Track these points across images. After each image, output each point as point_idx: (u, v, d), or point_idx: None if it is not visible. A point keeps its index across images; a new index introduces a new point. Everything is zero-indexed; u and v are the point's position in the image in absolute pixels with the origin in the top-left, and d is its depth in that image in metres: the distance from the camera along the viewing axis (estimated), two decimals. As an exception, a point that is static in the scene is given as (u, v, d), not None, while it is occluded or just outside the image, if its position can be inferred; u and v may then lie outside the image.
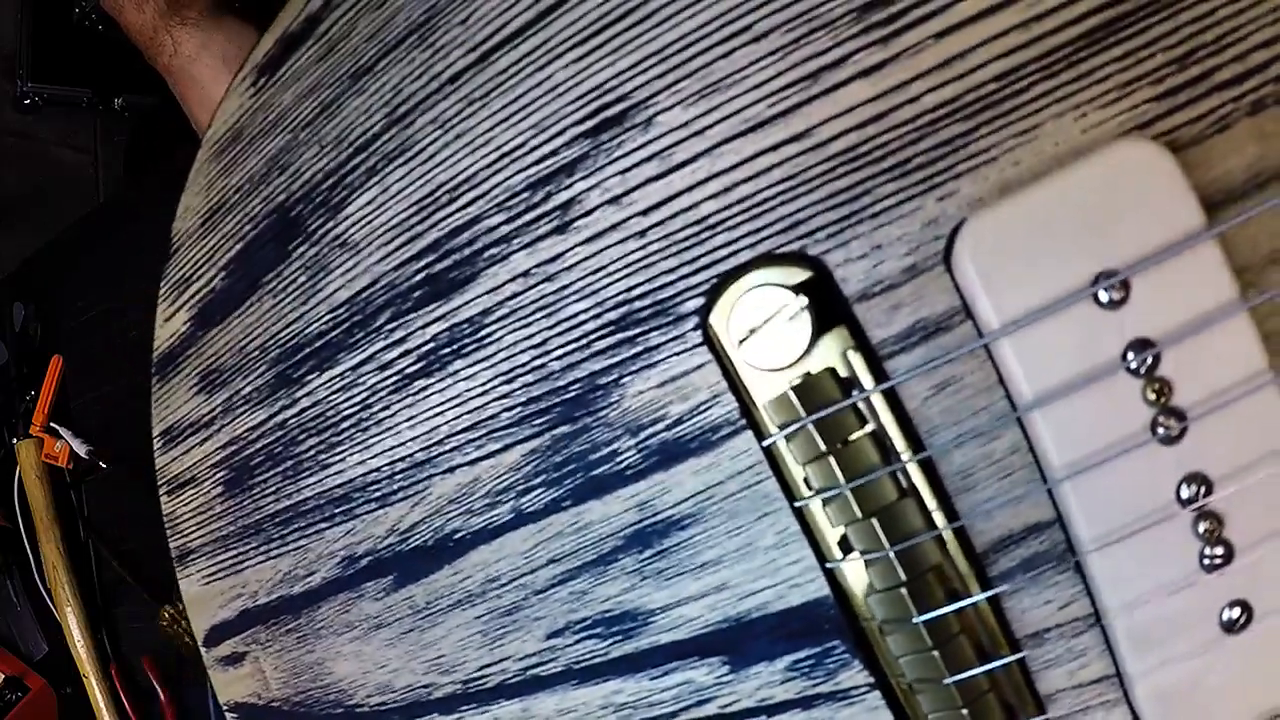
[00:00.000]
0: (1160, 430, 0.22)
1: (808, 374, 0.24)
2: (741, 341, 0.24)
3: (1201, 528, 0.23)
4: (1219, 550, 0.23)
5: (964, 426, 0.24)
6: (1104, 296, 0.22)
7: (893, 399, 0.24)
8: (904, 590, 0.23)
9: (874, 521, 0.23)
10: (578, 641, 0.28)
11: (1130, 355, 0.22)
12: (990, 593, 0.24)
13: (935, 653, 0.24)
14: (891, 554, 0.23)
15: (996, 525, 0.24)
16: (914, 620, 0.24)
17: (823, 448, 0.23)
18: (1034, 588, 0.24)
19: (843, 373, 0.24)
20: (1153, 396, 0.22)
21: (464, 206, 0.27)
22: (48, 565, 0.58)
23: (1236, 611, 0.23)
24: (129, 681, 0.59)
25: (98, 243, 0.63)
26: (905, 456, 0.23)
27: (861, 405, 0.24)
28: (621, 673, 0.28)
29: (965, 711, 0.24)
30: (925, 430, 0.24)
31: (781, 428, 0.24)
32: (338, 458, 0.30)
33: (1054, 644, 0.25)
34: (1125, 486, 0.23)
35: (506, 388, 0.27)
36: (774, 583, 0.26)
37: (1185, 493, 0.23)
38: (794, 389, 0.24)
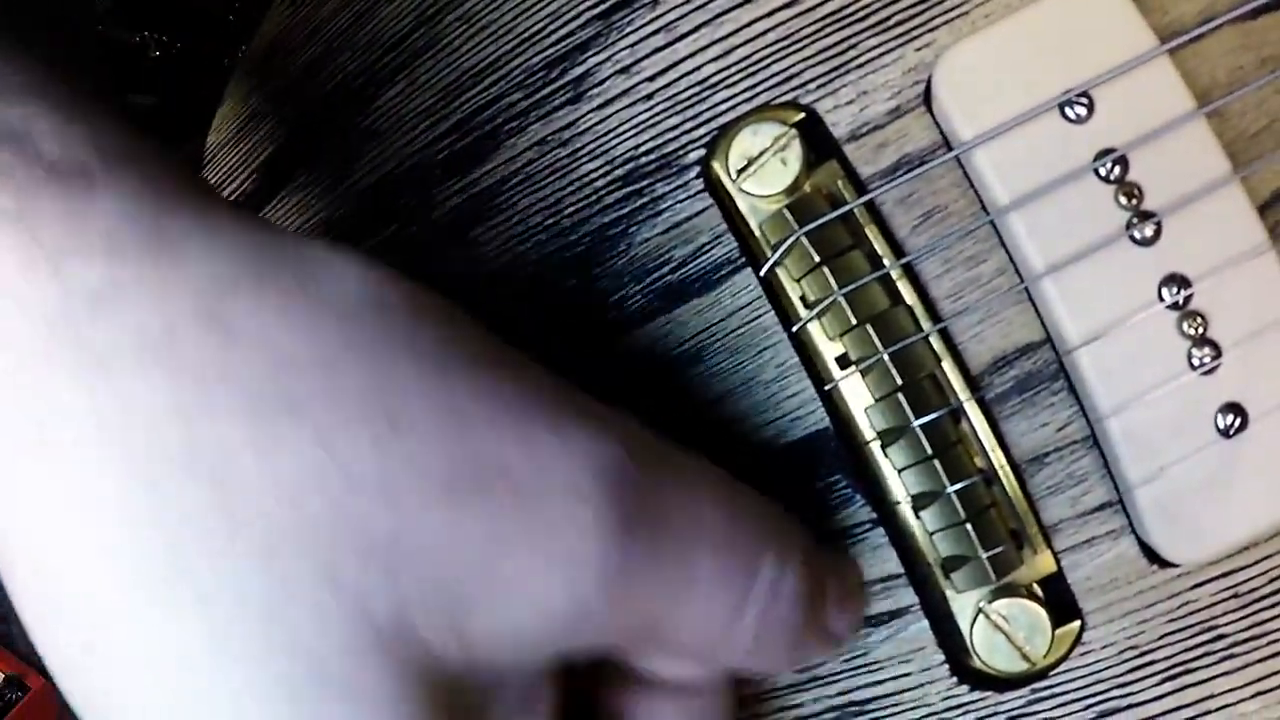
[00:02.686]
0: (1135, 233, 0.24)
1: (800, 193, 0.25)
2: (739, 172, 0.26)
3: (1186, 327, 0.24)
4: (1206, 351, 0.24)
5: (951, 252, 0.26)
6: (1070, 112, 0.24)
7: (882, 225, 0.26)
8: (900, 395, 0.24)
9: (868, 327, 0.24)
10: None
11: (1099, 162, 0.24)
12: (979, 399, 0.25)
13: (936, 461, 0.24)
14: (885, 356, 0.24)
15: (988, 347, 0.25)
16: (912, 425, 0.24)
17: (816, 259, 0.25)
18: (1030, 409, 0.25)
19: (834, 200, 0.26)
20: (1125, 200, 0.24)
21: (487, 89, 0.29)
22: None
23: (1230, 416, 0.24)
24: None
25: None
26: (891, 263, 0.25)
27: (854, 222, 0.25)
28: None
29: (969, 526, 0.24)
30: (914, 256, 0.26)
31: (776, 246, 0.25)
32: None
33: (1054, 468, 0.25)
34: (1106, 285, 0.24)
35: (522, 248, 0.29)
36: (776, 416, 0.27)
37: (1167, 295, 0.24)
38: (787, 206, 0.25)
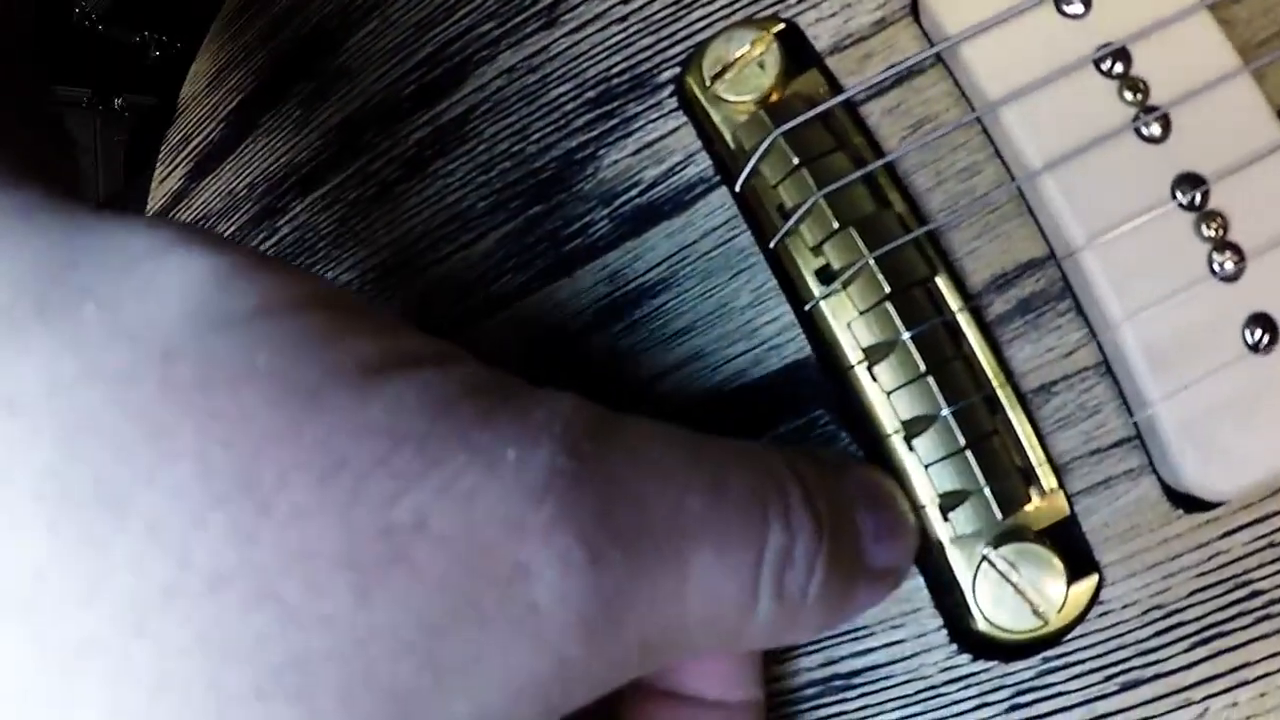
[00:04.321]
0: (1142, 129, 0.22)
1: (779, 96, 0.24)
2: (714, 78, 0.24)
3: (1205, 229, 0.21)
4: (1228, 256, 0.21)
5: (943, 164, 0.23)
6: (1068, 8, 0.22)
7: (868, 137, 0.24)
8: (889, 304, 0.22)
9: (851, 230, 0.22)
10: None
11: (1099, 54, 0.22)
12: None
13: (929, 378, 0.21)
14: (871, 261, 0.22)
15: (985, 264, 0.23)
16: (902, 337, 0.22)
17: (795, 160, 0.22)
18: (1034, 333, 0.22)
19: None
20: (1130, 95, 0.22)
21: (458, 20, 0.28)
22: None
23: (1259, 331, 0.21)
24: None
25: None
26: (877, 164, 0.23)
27: (837, 125, 0.23)
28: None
29: (969, 453, 0.21)
30: (904, 171, 0.24)
31: (752, 152, 0.23)
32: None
33: (1063, 398, 0.22)
34: (1113, 181, 0.21)
35: (484, 177, 0.27)
36: (751, 346, 0.24)
37: (1181, 195, 0.21)
38: (764, 108, 0.23)
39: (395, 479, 0.13)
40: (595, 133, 0.25)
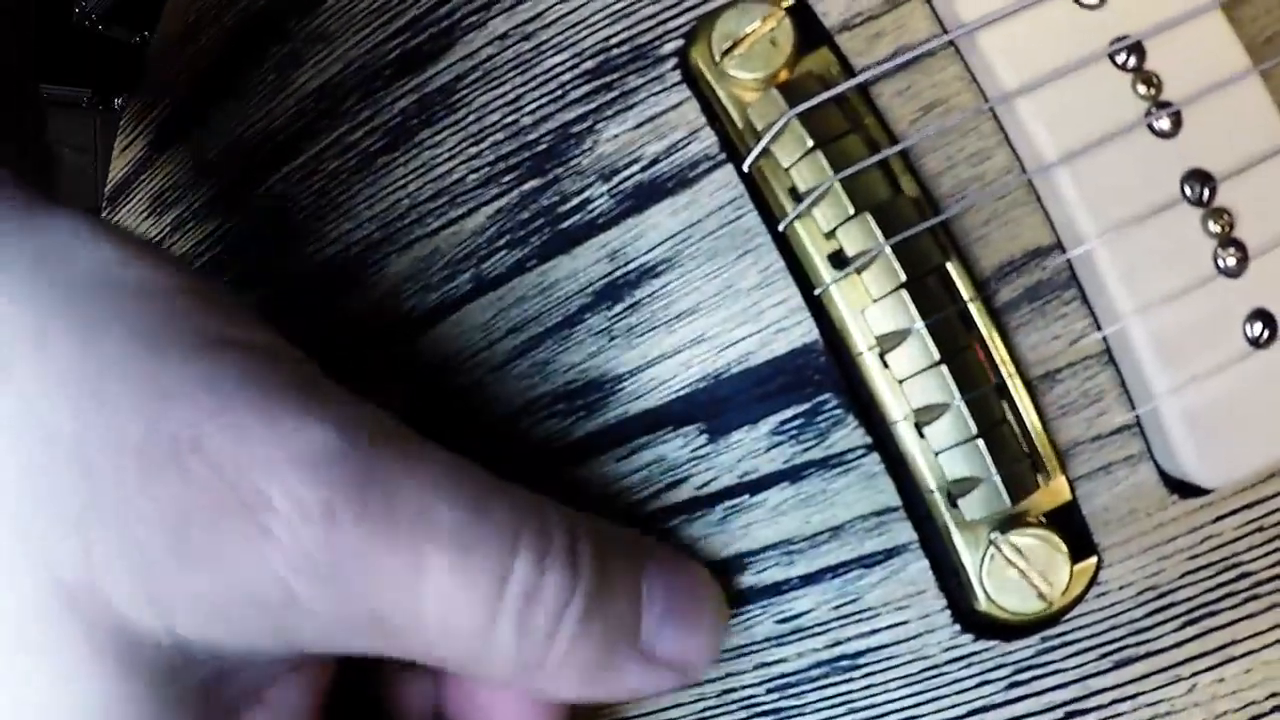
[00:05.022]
0: (1154, 123, 0.22)
1: (789, 74, 0.23)
2: (724, 54, 0.23)
3: (1212, 226, 0.22)
4: (1232, 252, 0.22)
5: (953, 148, 0.23)
6: (1084, -3, 0.22)
7: (879, 118, 0.23)
8: (905, 292, 0.22)
9: (868, 216, 0.22)
10: (536, 425, 0.25)
11: (1114, 47, 0.22)
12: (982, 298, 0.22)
13: (944, 366, 0.22)
14: (888, 249, 0.22)
15: (993, 250, 0.23)
16: (916, 326, 0.22)
17: (810, 143, 0.22)
18: (1040, 320, 0.23)
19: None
20: (1143, 89, 0.22)
21: (443, -18, 0.27)
22: None
23: (1259, 325, 0.22)
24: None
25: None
26: (891, 148, 0.22)
27: (851, 107, 0.23)
28: (581, 457, 0.25)
29: (980, 441, 0.22)
30: (914, 155, 0.23)
31: (764, 132, 0.23)
32: (287, 255, 0.28)
33: (1067, 385, 0.22)
34: (1126, 175, 0.21)
35: (474, 149, 0.26)
36: (757, 328, 0.24)
37: (1189, 191, 0.22)
38: (778, 87, 0.23)
39: (195, 412, 0.18)
40: (593, 105, 0.24)
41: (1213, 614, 0.22)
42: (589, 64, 0.24)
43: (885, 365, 0.21)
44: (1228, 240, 0.21)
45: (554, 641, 0.19)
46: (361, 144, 0.26)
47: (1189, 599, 0.22)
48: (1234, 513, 0.22)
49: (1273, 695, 0.22)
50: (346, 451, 0.18)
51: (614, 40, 0.24)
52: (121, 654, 0.17)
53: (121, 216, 0.31)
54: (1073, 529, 0.22)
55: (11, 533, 0.17)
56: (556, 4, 0.25)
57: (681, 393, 0.23)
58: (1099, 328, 0.22)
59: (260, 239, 0.28)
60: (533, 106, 0.25)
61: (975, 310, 0.21)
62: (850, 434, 0.23)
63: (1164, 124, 0.21)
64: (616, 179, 0.24)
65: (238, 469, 0.17)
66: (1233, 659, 0.22)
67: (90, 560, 0.17)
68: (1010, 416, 0.21)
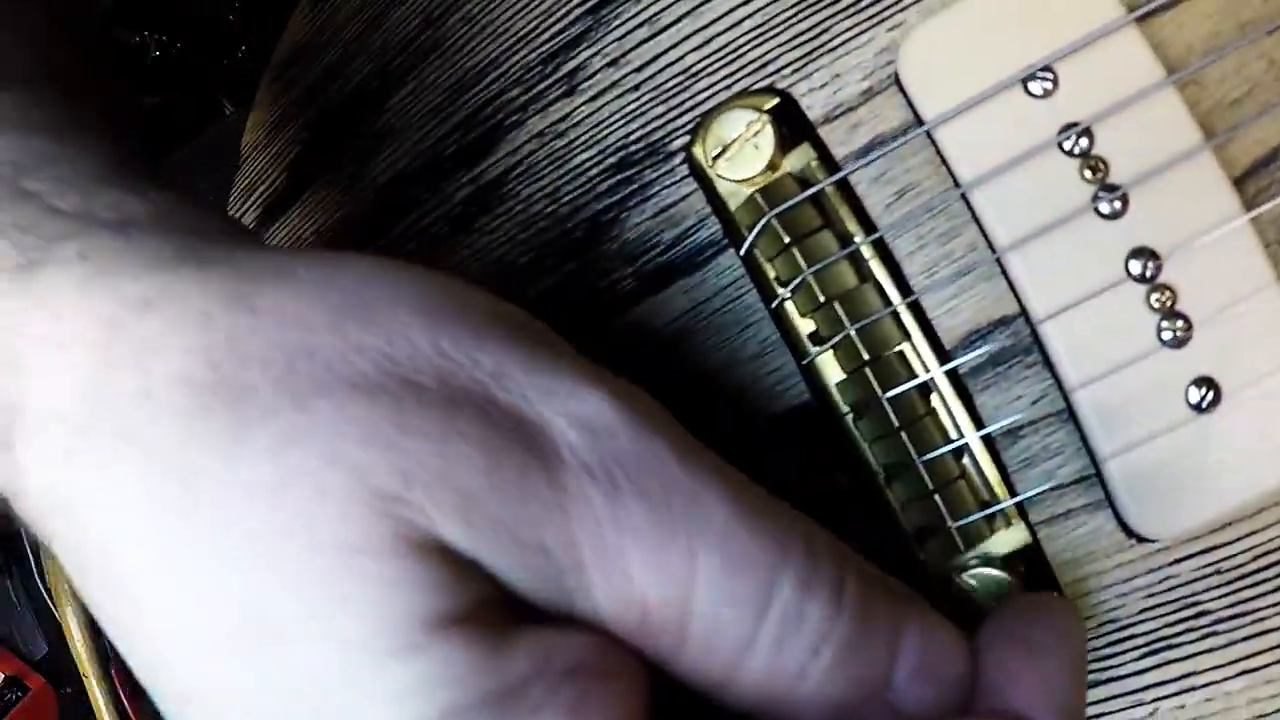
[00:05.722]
0: (1101, 206, 0.24)
1: (773, 177, 0.26)
2: (715, 158, 0.27)
3: (1155, 301, 0.24)
4: (1177, 324, 0.24)
5: (923, 229, 0.26)
6: (1035, 88, 0.25)
7: (855, 204, 0.27)
8: (867, 370, 0.25)
9: (835, 304, 0.25)
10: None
11: (1063, 136, 0.24)
12: (951, 365, 0.25)
13: (902, 433, 0.25)
14: (852, 332, 0.25)
15: (962, 321, 0.26)
16: (880, 398, 0.25)
17: (785, 240, 0.26)
18: (1004, 383, 0.26)
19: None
20: (1090, 174, 0.24)
21: (488, 85, 0.31)
22: (48, 565, 0.59)
23: (1203, 391, 0.24)
24: (129, 681, 0.59)
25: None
26: (860, 239, 0.26)
27: (825, 203, 0.26)
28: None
29: (937, 497, 0.25)
30: (888, 235, 0.26)
31: (750, 228, 0.26)
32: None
33: (1029, 440, 0.26)
34: (1071, 259, 0.24)
35: (523, 235, 0.31)
36: (758, 392, 0.28)
37: (1134, 268, 0.24)
38: (759, 190, 0.26)
39: (492, 361, 0.19)
40: (618, 197, 0.29)
41: (1172, 646, 0.25)
42: (612, 159, 0.29)
43: (857, 428, 0.25)
44: (1171, 313, 0.23)
45: (806, 672, 0.19)
46: (431, 229, 0.32)
47: (1149, 632, 0.25)
48: (1192, 556, 0.25)
49: (1234, 723, 0.25)
50: (621, 424, 0.19)
51: (631, 138, 0.28)
52: (428, 558, 0.18)
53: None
54: (1036, 567, 0.25)
55: (328, 451, 0.18)
56: (581, 105, 0.29)
57: (696, 446, 0.28)
58: (1060, 388, 0.24)
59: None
60: (568, 198, 0.29)
61: (937, 377, 0.24)
62: (840, 481, 0.26)
63: (1110, 206, 0.24)
64: (639, 262, 0.28)
65: (528, 421, 0.18)
66: (1194, 688, 0.25)
67: (407, 476, 0.18)
68: (969, 471, 0.24)
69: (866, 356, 0.25)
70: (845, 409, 0.26)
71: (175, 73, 0.56)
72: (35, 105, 0.23)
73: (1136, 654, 0.26)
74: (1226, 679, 0.25)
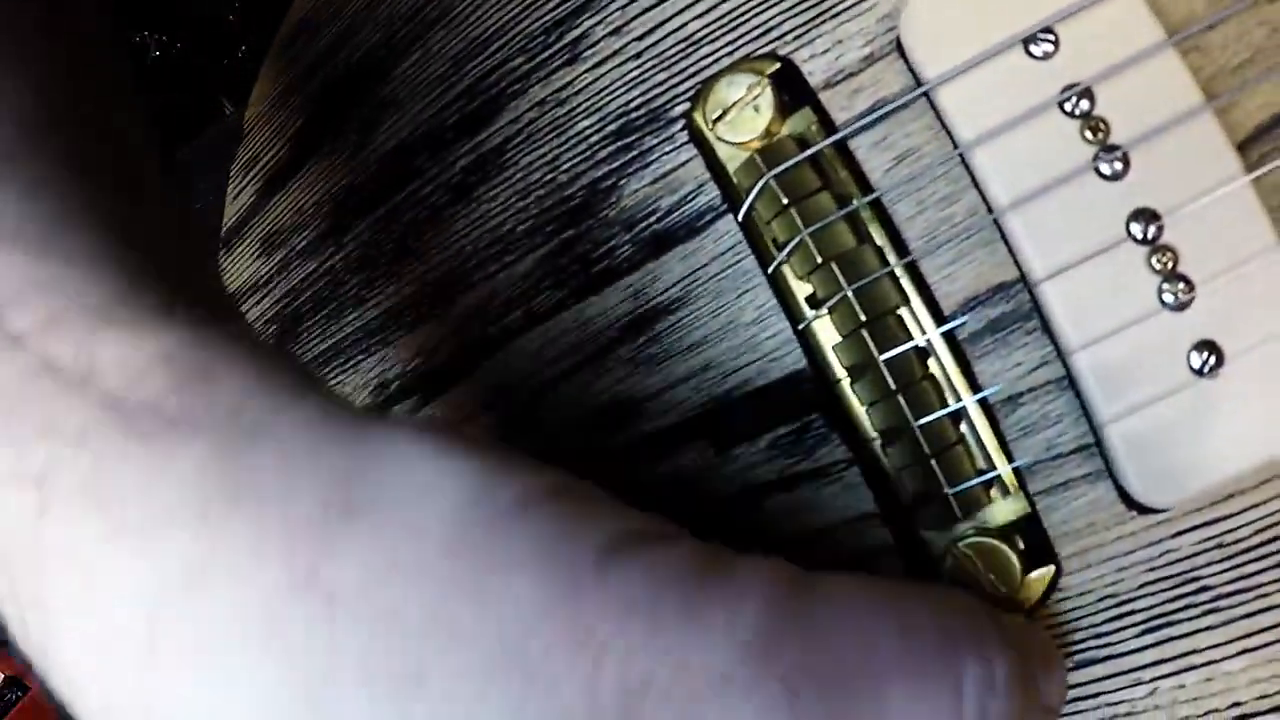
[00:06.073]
0: (1102, 167, 0.24)
1: (772, 139, 0.26)
2: (715, 121, 0.27)
3: (1156, 262, 0.24)
4: (1179, 286, 0.24)
5: (924, 193, 0.26)
6: (1036, 49, 0.25)
7: (855, 170, 0.26)
8: (864, 331, 0.25)
9: (832, 265, 0.25)
10: (578, 437, 0.30)
11: (1064, 96, 0.24)
12: (947, 327, 0.25)
13: (899, 396, 0.25)
14: (849, 293, 0.25)
15: (960, 287, 0.26)
16: (876, 361, 0.25)
17: (784, 201, 0.26)
18: (1003, 349, 0.26)
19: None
20: (1090, 135, 0.24)
21: (492, 54, 0.31)
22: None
23: (1205, 354, 0.23)
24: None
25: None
26: (859, 201, 0.26)
27: (824, 165, 0.26)
28: (619, 465, 0.29)
29: (933, 461, 0.25)
30: (887, 199, 0.26)
31: (748, 190, 0.26)
32: (375, 291, 0.34)
33: (1028, 408, 0.25)
34: (1072, 219, 0.24)
35: (522, 203, 0.31)
36: (754, 358, 0.28)
37: (1135, 229, 0.24)
38: (758, 152, 0.26)
39: (628, 646, 0.17)
40: (617, 164, 0.29)
41: (1172, 624, 0.24)
42: (612, 126, 0.29)
43: (854, 394, 0.25)
44: (1172, 275, 0.23)
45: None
46: (431, 198, 0.31)
47: (1148, 608, 0.24)
48: (1193, 529, 0.24)
49: (1235, 705, 0.24)
50: (778, 625, 0.18)
51: (632, 105, 0.28)
52: None
53: (236, 256, 0.37)
54: (1034, 539, 0.25)
55: None
56: (583, 73, 0.29)
57: (693, 412, 0.27)
58: (1060, 355, 0.24)
59: (350, 276, 0.33)
60: (568, 165, 0.29)
61: (936, 342, 0.24)
62: (834, 450, 0.26)
63: (1111, 167, 0.23)
64: (637, 228, 0.28)
65: (692, 695, 0.17)
66: (1193, 667, 0.24)
67: None
68: (966, 437, 0.24)
69: (864, 318, 0.25)
70: (842, 373, 0.26)
71: (175, 73, 0.57)
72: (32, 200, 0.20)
73: (1135, 630, 0.25)
74: (1226, 658, 0.25)
